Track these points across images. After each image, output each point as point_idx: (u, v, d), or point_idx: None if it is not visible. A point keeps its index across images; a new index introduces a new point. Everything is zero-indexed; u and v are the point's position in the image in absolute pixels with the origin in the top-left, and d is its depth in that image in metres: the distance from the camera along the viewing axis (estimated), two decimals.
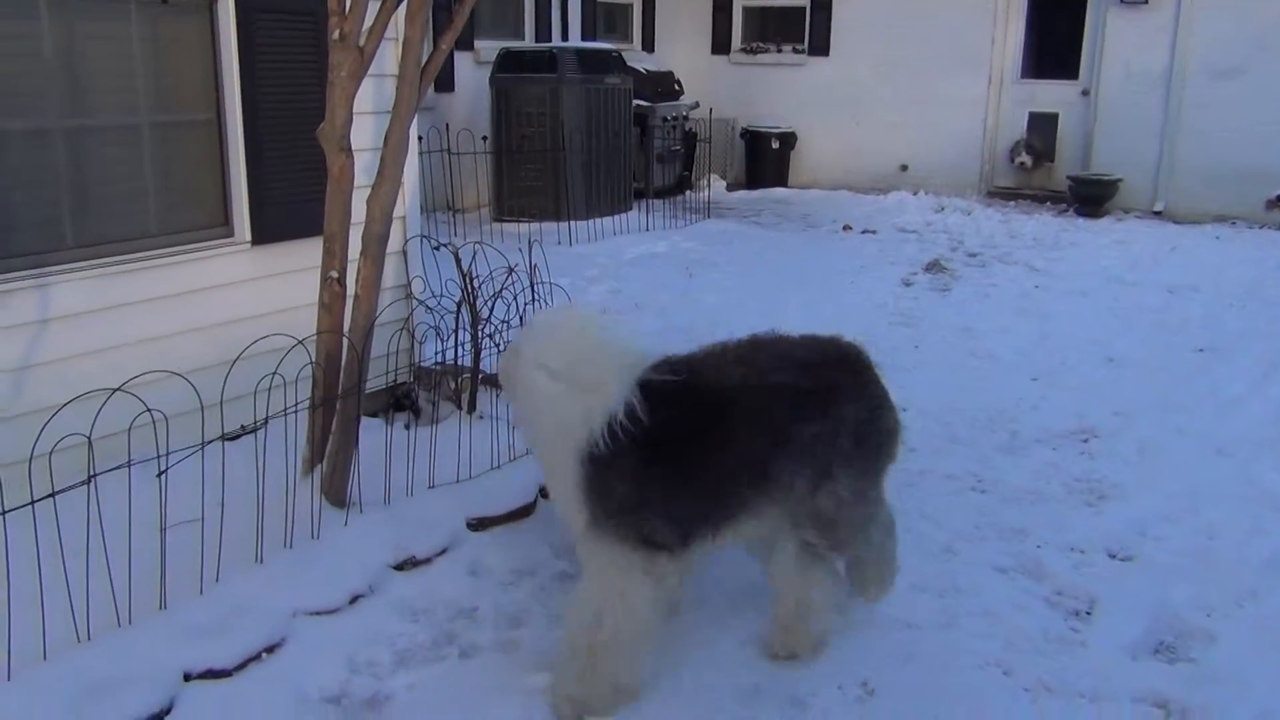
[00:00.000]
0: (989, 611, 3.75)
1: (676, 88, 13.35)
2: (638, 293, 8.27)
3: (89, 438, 3.03)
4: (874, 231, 11.32)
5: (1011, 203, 13.18)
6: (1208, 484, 4.83)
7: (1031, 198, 13.26)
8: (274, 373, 3.51)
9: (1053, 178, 13.21)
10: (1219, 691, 3.27)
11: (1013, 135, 13.42)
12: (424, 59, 3.97)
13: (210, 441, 3.48)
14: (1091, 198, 12.40)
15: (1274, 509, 4.57)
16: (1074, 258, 10.00)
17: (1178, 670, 3.43)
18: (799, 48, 14.61)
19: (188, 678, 3.07)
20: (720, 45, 15.16)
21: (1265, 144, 11.57)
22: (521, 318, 4.77)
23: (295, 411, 3.82)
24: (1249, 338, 7.21)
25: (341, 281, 3.93)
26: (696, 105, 13.30)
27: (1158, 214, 12.23)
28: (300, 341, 3.64)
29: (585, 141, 10.70)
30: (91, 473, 3.07)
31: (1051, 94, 13.15)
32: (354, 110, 3.85)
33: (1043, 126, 13.23)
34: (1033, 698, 3.27)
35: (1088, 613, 3.77)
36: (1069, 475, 4.96)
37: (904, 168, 14.02)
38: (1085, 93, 12.84)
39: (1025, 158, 13.23)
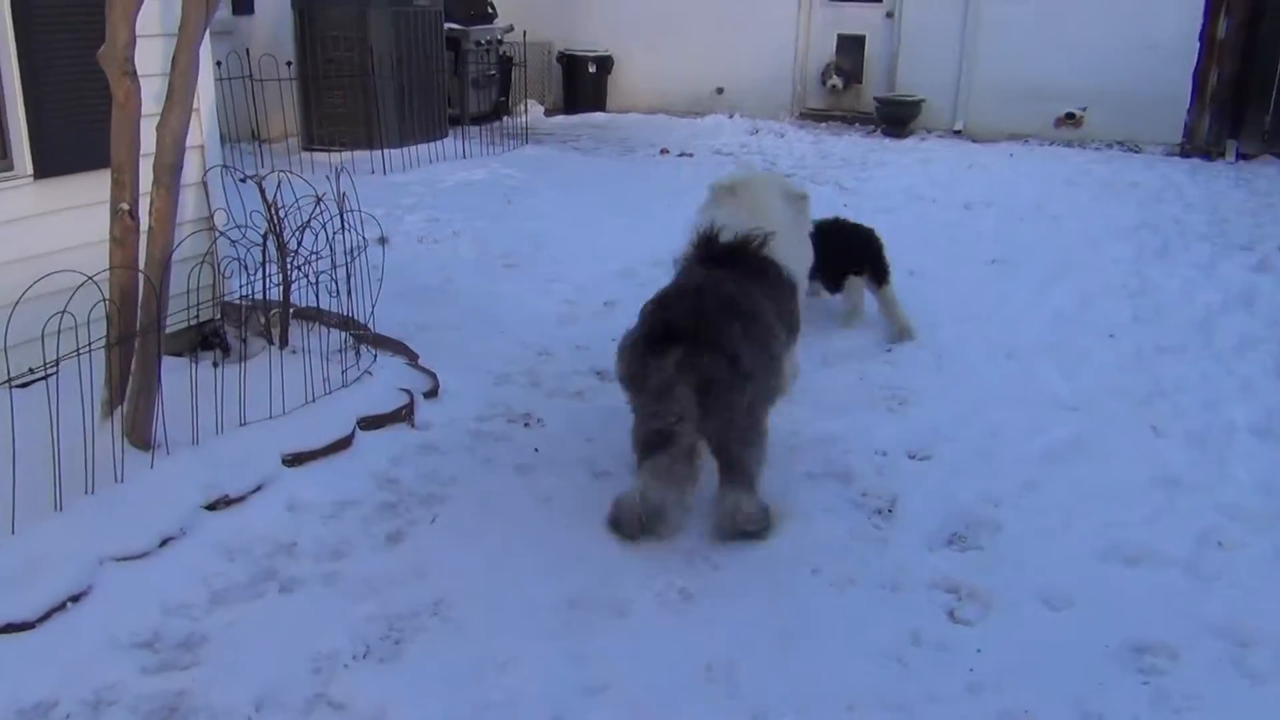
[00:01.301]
0: (800, 515, 3.94)
1: (490, 10, 13.07)
2: (456, 220, 8.14)
3: None
4: (691, 154, 11.45)
5: (823, 124, 13.54)
6: (996, 386, 5.18)
7: (842, 119, 13.65)
8: (63, 311, 3.33)
9: (861, 99, 13.61)
10: (1003, 574, 3.57)
11: (823, 57, 13.74)
12: None
13: None
14: (897, 118, 12.86)
15: (1052, 407, 4.95)
16: (880, 177, 10.38)
17: (968, 558, 3.72)
18: None
19: None
20: None
21: (1054, 64, 12.17)
22: (331, 248, 4.65)
23: (89, 352, 3.65)
24: (1035, 249, 7.69)
25: (133, 214, 3.75)
26: (511, 28, 13.05)
27: (958, 133, 12.80)
28: (90, 278, 3.46)
29: (396, 66, 10.37)
30: None
31: (858, 16, 13.48)
32: (139, 32, 3.64)
33: (851, 48, 13.59)
34: (838, 591, 3.49)
35: (890, 510, 4.02)
36: (875, 384, 5.23)
37: (719, 90, 14.17)
38: (890, 15, 13.22)
39: (836, 79, 13.57)
